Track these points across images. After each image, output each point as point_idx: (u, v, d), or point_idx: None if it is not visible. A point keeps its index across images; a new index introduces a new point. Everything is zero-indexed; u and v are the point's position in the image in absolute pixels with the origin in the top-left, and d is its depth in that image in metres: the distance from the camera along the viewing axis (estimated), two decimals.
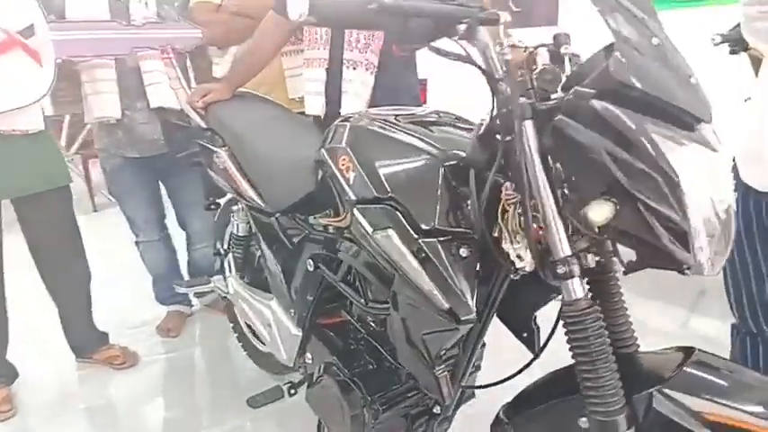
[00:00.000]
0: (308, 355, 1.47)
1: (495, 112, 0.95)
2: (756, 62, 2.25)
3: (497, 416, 1.06)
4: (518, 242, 0.92)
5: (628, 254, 0.91)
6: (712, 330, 2.37)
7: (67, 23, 1.93)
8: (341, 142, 1.20)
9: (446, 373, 1.11)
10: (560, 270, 0.85)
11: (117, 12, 2.06)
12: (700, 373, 0.87)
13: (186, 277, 2.60)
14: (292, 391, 1.61)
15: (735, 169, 1.36)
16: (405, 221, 1.03)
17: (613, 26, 0.81)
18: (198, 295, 2.65)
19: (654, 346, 1.00)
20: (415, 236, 1.01)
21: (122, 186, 2.32)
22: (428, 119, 1.22)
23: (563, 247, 0.85)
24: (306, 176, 1.40)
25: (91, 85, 2.12)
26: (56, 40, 1.81)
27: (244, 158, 1.67)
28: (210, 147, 1.81)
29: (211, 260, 2.40)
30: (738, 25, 2.17)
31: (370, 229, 1.07)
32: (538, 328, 1.13)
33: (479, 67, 0.91)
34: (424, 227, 1.01)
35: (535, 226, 0.88)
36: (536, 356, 1.13)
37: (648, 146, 0.76)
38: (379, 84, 1.78)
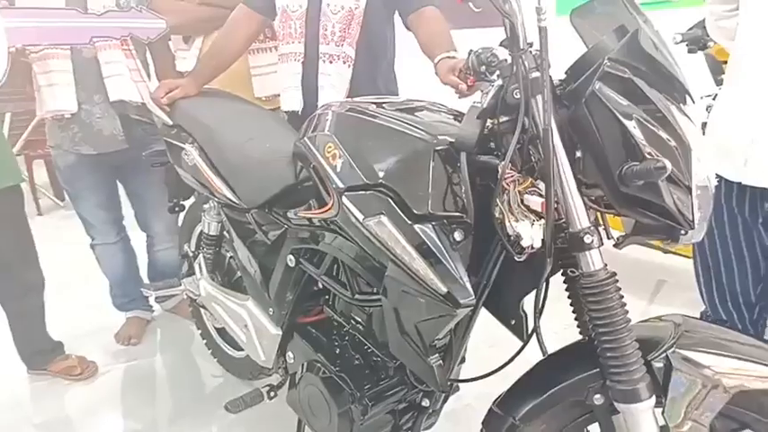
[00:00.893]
0: (290, 354, 1.42)
1: (493, 91, 0.94)
2: (713, 61, 2.37)
3: (491, 410, 1.05)
4: (522, 220, 0.91)
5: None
6: None
7: (20, 10, 1.81)
8: (325, 130, 1.17)
9: (440, 361, 1.09)
10: (587, 240, 0.88)
11: None
12: (699, 334, 0.93)
13: (146, 281, 2.49)
14: (272, 394, 1.55)
15: None
16: (397, 207, 1.01)
17: (632, 11, 0.88)
18: (159, 300, 2.54)
19: None
20: (409, 221, 0.99)
21: (77, 186, 2.19)
22: (412, 105, 1.21)
23: (582, 219, 0.88)
24: (282, 170, 1.37)
25: (45, 77, 1.99)
26: (8, 28, 1.70)
27: (215, 154, 1.61)
28: (178, 143, 1.73)
29: (174, 262, 2.32)
30: (696, 26, 2.27)
31: (361, 216, 1.04)
32: (525, 314, 1.13)
33: (506, 34, 0.90)
34: (417, 212, 0.99)
35: (540, 201, 0.89)
36: (525, 343, 1.13)
37: (670, 117, 0.84)
38: (356, 76, 1.76)
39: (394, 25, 1.87)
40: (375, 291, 1.17)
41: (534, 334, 1.09)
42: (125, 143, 2.11)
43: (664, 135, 0.84)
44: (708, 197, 0.90)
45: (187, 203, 2.11)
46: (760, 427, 0.92)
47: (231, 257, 1.84)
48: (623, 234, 0.99)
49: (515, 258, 0.95)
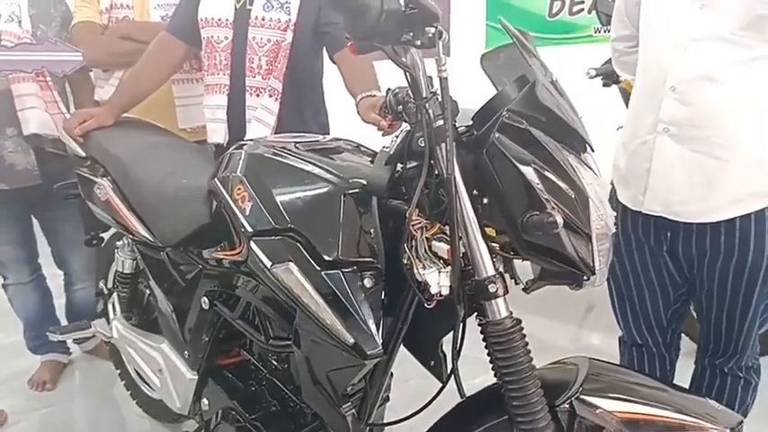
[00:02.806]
0: (204, 401, 1.36)
1: (401, 137, 0.94)
2: (626, 94, 2.48)
3: None
4: (430, 267, 0.90)
5: (528, 274, 0.99)
6: (600, 343, 2.51)
7: None
8: (236, 170, 1.14)
9: (353, 410, 1.06)
10: (492, 288, 0.87)
11: None
12: (604, 378, 0.94)
13: (64, 322, 2.34)
14: None
15: (613, 191, 1.47)
16: (305, 253, 0.98)
17: (530, 61, 0.88)
18: (78, 341, 2.40)
19: (548, 361, 1.04)
20: (317, 268, 0.97)
21: None
22: (328, 146, 1.19)
23: (487, 267, 0.88)
24: (198, 208, 1.32)
25: None
26: None
27: (129, 189, 1.55)
28: (90, 177, 1.66)
29: (93, 301, 2.20)
30: (608, 61, 2.39)
31: (268, 263, 1.01)
32: (444, 355, 1.12)
33: (409, 84, 0.90)
34: (326, 258, 0.97)
35: (447, 248, 0.88)
36: (444, 385, 1.12)
37: (568, 168, 0.86)
38: (283, 110, 1.74)
39: (323, 60, 1.87)
40: (288, 336, 1.14)
41: (453, 376, 1.09)
42: (39, 178, 1.99)
43: (562, 184, 0.86)
44: (608, 243, 0.91)
45: (106, 235, 2.01)
46: None
47: (150, 295, 1.76)
48: (531, 279, 0.99)
49: (425, 305, 0.94)
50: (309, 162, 1.07)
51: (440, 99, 0.88)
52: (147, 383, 1.94)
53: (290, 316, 1.06)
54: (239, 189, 1.09)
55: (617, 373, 0.98)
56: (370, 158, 1.18)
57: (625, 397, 0.90)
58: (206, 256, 1.27)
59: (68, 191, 1.83)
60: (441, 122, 0.88)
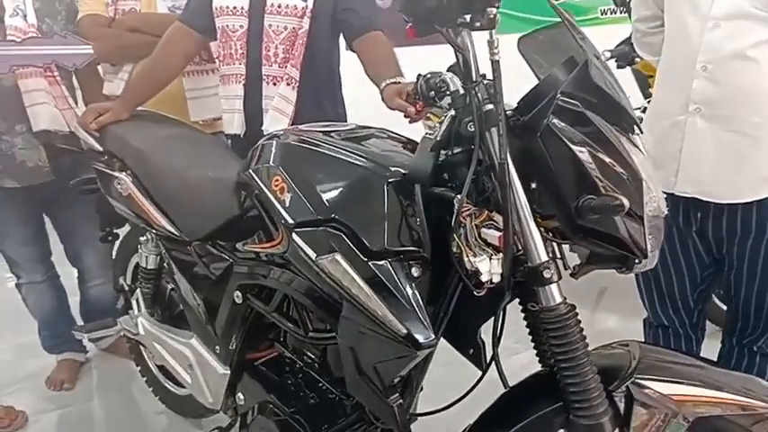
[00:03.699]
0: (240, 395, 1.34)
1: (446, 123, 0.92)
2: (640, 76, 2.47)
3: None
4: (480, 254, 0.89)
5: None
6: (615, 326, 2.53)
7: None
8: (272, 161, 1.12)
9: (400, 400, 1.05)
10: (547, 274, 0.87)
11: None
12: (656, 361, 0.94)
13: (78, 320, 2.32)
14: None
15: None
16: (350, 244, 0.97)
17: (581, 42, 0.87)
18: (93, 339, 2.37)
19: None
20: (364, 258, 0.95)
21: (0, 222, 2.03)
22: (361, 134, 1.18)
23: (540, 253, 0.87)
24: (226, 200, 1.30)
25: None
26: None
27: (151, 183, 1.52)
28: (109, 171, 1.63)
29: (109, 298, 2.18)
30: (623, 43, 2.37)
31: (313, 255, 0.99)
32: (483, 343, 1.11)
33: (459, 67, 0.88)
34: (372, 248, 0.95)
35: (498, 235, 0.87)
36: (484, 373, 1.11)
37: (621, 149, 0.85)
38: (301, 99, 1.71)
39: (339, 47, 1.84)
40: (329, 327, 1.12)
41: (494, 363, 1.08)
42: (51, 174, 1.96)
43: (617, 167, 0.85)
44: (659, 226, 0.91)
45: (121, 231, 1.99)
46: None
47: (172, 290, 1.74)
48: (578, 264, 0.99)
49: (474, 293, 0.93)
50: (347, 151, 1.06)
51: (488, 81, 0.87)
52: (170, 380, 1.93)
53: (331, 308, 1.04)
54: (277, 180, 1.07)
55: (667, 355, 0.99)
56: (403, 145, 1.16)
57: (679, 379, 0.90)
58: (239, 248, 1.25)
59: (84, 187, 1.80)
60: (490, 107, 0.86)
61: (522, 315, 1.08)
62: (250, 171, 1.14)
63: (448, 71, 1.11)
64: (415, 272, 0.95)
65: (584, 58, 0.86)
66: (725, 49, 1.23)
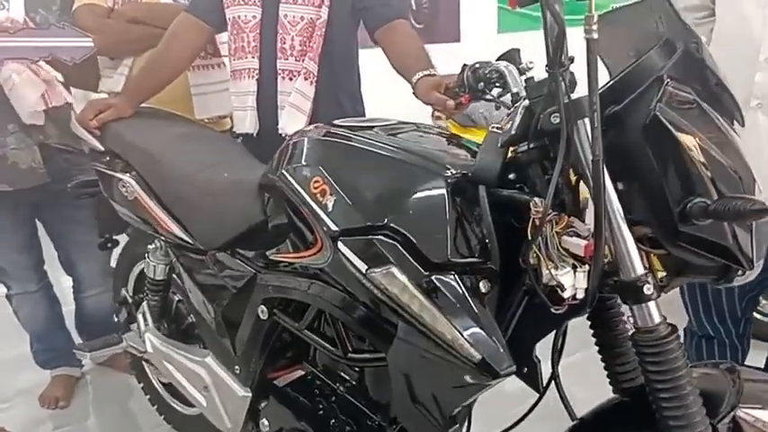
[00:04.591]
0: (264, 421, 1.21)
1: (521, 115, 0.80)
2: None
3: None
4: (562, 266, 0.77)
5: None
6: None
7: None
8: (306, 161, 0.99)
9: (461, 428, 0.93)
10: (647, 290, 0.74)
11: None
12: (757, 387, 0.84)
13: (73, 332, 2.17)
14: None
15: None
16: (407, 255, 0.84)
17: (684, 20, 0.77)
18: (96, 358, 2.23)
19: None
20: (425, 272, 0.83)
21: None
22: (406, 129, 1.05)
23: (636, 265, 0.75)
24: (247, 205, 1.19)
25: None
26: None
27: (161, 186, 1.39)
28: (112, 173, 1.49)
29: (106, 309, 2.03)
30: None
31: (363, 267, 0.87)
32: (539, 361, 0.99)
33: (548, 45, 0.75)
34: (433, 260, 0.83)
35: (584, 244, 0.75)
36: (542, 395, 1.00)
37: (732, 143, 0.74)
38: (319, 95, 1.59)
39: (357, 41, 1.72)
40: (374, 348, 1.00)
41: (553, 384, 0.97)
42: (46, 177, 1.81)
43: (728, 165, 0.73)
44: (766, 232, 0.79)
45: (122, 238, 1.85)
46: None
47: (180, 301, 1.61)
48: (666, 275, 0.87)
49: (552, 311, 0.81)
50: (397, 148, 0.93)
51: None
52: (176, 398, 1.79)
53: (379, 327, 0.92)
54: (317, 182, 0.95)
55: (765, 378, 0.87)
56: (455, 143, 1.04)
57: None
58: (266, 258, 1.12)
59: (82, 190, 1.66)
60: (578, 95, 0.75)
61: (592, 333, 0.97)
62: (283, 172, 1.02)
63: (498, 60, 1.00)
64: (483, 287, 0.83)
65: (689, 40, 0.74)
66: None
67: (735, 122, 0.80)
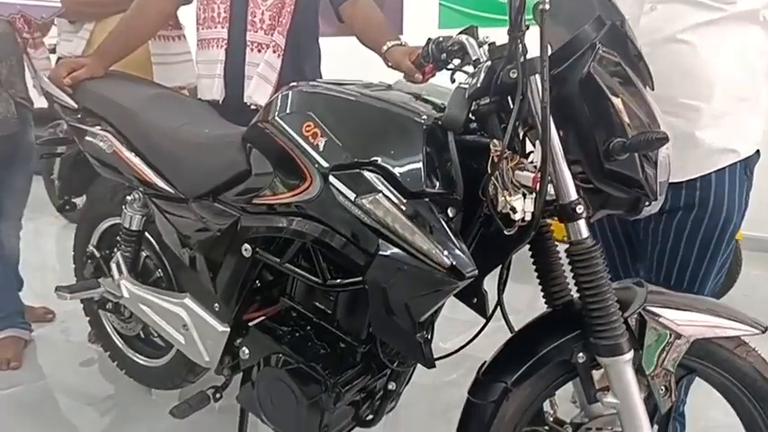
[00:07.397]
0: (244, 350, 1.33)
1: (484, 72, 0.99)
2: None
3: (478, 380, 1.10)
4: (515, 193, 0.96)
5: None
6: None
7: None
8: (298, 109, 1.14)
9: (427, 336, 1.11)
10: (579, 210, 0.94)
11: None
12: (661, 294, 1.06)
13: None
14: (218, 396, 1.43)
15: None
16: (390, 185, 1.01)
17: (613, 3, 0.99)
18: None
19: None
20: (404, 199, 1.00)
21: None
22: (380, 87, 1.22)
23: (571, 191, 0.95)
24: (230, 155, 1.29)
25: None
26: None
27: (140, 140, 1.48)
28: (89, 128, 1.55)
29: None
30: None
31: (352, 195, 1.03)
32: (486, 293, 1.19)
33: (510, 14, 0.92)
34: (411, 189, 1.00)
35: (532, 176, 0.95)
36: (487, 321, 1.20)
37: (647, 99, 0.96)
38: (284, 67, 1.71)
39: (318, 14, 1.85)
40: (352, 273, 1.15)
41: (499, 309, 1.17)
42: (17, 127, 1.83)
43: (642, 114, 0.95)
44: (666, 171, 1.03)
45: (80, 200, 1.90)
46: (704, 372, 1.07)
47: (147, 257, 1.69)
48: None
49: (505, 232, 1.00)
50: (377, 99, 1.10)
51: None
52: (137, 352, 1.86)
53: (360, 251, 1.07)
54: (309, 126, 1.09)
55: (672, 293, 1.11)
56: (420, 98, 1.21)
57: (680, 308, 1.03)
58: (251, 202, 1.25)
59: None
60: (531, 55, 0.94)
61: (532, 261, 1.17)
62: (276, 118, 1.15)
63: (459, 34, 1.19)
64: (450, 212, 1.01)
65: (615, 17, 0.96)
66: (663, 31, 1.25)
67: (647, 87, 1.03)
